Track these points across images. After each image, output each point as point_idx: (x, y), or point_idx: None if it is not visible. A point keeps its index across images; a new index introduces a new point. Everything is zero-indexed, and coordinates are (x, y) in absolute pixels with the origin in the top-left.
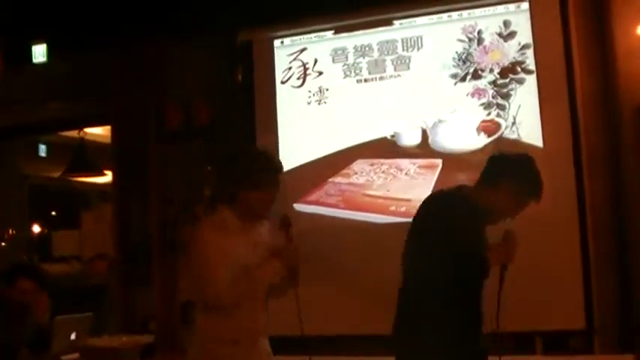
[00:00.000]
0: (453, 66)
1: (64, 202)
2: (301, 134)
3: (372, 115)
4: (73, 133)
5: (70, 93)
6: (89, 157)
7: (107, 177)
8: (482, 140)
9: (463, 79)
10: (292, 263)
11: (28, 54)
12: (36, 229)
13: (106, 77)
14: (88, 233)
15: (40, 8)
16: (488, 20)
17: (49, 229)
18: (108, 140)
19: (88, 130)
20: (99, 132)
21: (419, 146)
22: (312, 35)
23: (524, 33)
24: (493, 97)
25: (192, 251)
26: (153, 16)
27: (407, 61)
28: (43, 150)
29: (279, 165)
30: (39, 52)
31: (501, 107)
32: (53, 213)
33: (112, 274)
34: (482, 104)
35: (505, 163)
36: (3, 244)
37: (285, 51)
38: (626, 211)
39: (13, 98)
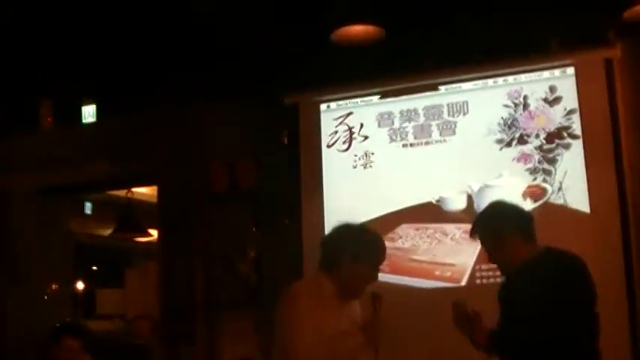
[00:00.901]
0: (499, 131)
1: (108, 259)
2: (346, 198)
3: (418, 180)
4: (119, 191)
5: (118, 152)
6: (136, 216)
7: (152, 236)
8: (528, 205)
9: (509, 144)
10: (377, 338)
11: (78, 114)
12: (80, 285)
13: (152, 137)
14: (133, 292)
15: (90, 70)
16: (533, 85)
17: (92, 286)
18: (154, 199)
19: (136, 189)
20: (145, 190)
21: (464, 211)
22: (359, 100)
23: (570, 98)
24: (539, 163)
25: (282, 314)
26: (199, 75)
27: (453, 126)
28: (88, 207)
29: (384, 248)
30: (88, 113)
31: (547, 172)
32: (94, 268)
33: (155, 335)
34: (528, 169)
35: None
36: (45, 297)
37: (332, 115)
38: None
39: (62, 157)
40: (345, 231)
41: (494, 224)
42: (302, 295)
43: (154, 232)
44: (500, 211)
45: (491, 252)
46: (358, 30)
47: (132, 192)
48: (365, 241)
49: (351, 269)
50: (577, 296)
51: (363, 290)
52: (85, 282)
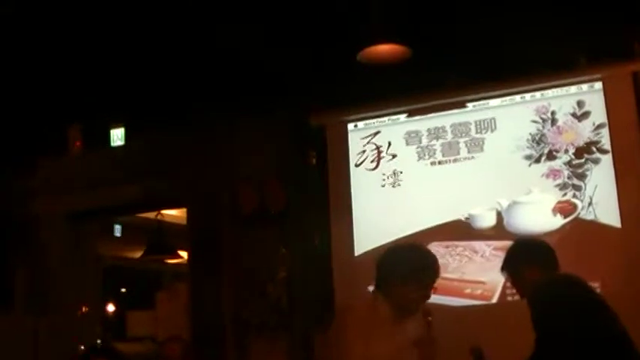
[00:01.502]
0: (527, 147)
1: (138, 281)
2: (376, 217)
3: (446, 197)
4: (149, 214)
5: (146, 175)
6: (166, 238)
7: (182, 258)
8: (558, 221)
9: (537, 160)
10: (433, 355)
11: (107, 137)
12: (110, 308)
13: (180, 159)
14: (163, 314)
15: (118, 93)
16: (561, 101)
17: (122, 308)
18: (183, 221)
19: (165, 211)
20: (174, 212)
21: (494, 228)
22: (386, 118)
23: (599, 112)
24: (568, 178)
25: (334, 333)
26: (226, 97)
27: (480, 143)
28: (118, 230)
29: (438, 267)
30: (117, 136)
31: (577, 188)
32: (123, 290)
33: (187, 357)
34: (557, 185)
35: None
36: (75, 320)
37: (359, 134)
38: None
39: (91, 180)
40: (396, 251)
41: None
42: (354, 314)
43: (184, 254)
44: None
45: (518, 289)
46: (384, 49)
47: (162, 214)
48: (414, 260)
49: (402, 288)
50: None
51: (417, 308)
52: (115, 304)
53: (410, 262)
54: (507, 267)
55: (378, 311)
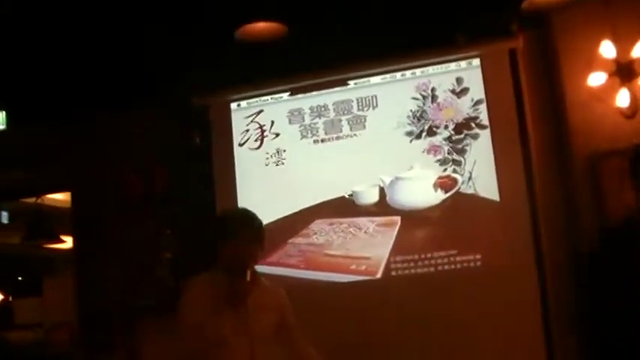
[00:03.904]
0: (408, 124)
1: (28, 269)
2: (260, 196)
3: (330, 175)
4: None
5: (30, 160)
6: (48, 223)
7: (67, 243)
8: (439, 196)
9: (418, 137)
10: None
11: None
12: None
13: (64, 145)
14: (50, 300)
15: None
16: (441, 78)
17: (12, 296)
18: (68, 205)
19: (50, 195)
20: (60, 197)
21: (377, 204)
22: (269, 97)
23: (477, 89)
24: (449, 153)
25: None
26: (108, 81)
27: (362, 120)
28: (4, 217)
29: (254, 219)
30: None
31: (457, 163)
32: (19, 279)
33: (74, 342)
34: (438, 160)
35: None
36: None
37: (242, 113)
38: (585, 261)
39: None
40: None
41: None
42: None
43: (68, 239)
44: None
45: None
46: (262, 27)
47: (42, 198)
48: (226, 219)
49: (226, 248)
50: None
51: (244, 267)
52: (3, 292)
53: (233, 220)
54: None
55: (215, 278)
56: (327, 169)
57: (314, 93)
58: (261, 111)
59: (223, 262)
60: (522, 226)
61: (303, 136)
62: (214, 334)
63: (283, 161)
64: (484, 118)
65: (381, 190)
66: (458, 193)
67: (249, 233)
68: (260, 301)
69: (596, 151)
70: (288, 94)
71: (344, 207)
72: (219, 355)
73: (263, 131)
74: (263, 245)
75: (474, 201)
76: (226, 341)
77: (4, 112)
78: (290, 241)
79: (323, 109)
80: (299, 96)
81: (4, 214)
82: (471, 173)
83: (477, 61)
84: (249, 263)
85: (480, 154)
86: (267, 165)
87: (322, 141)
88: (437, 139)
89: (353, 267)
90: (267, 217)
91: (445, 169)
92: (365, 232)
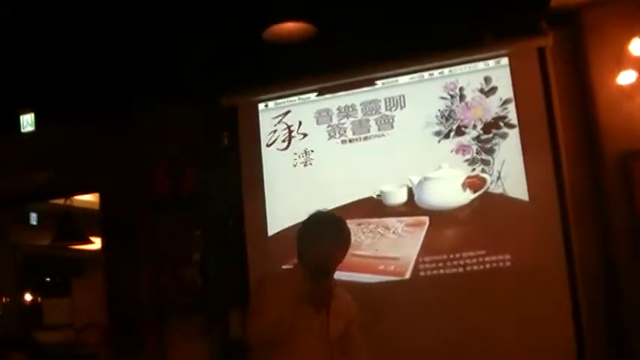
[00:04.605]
0: (437, 123)
1: (57, 270)
2: (288, 196)
3: (358, 175)
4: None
5: (59, 161)
6: (77, 224)
7: (96, 244)
8: (468, 196)
9: (447, 136)
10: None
11: (16, 123)
12: (28, 297)
13: (93, 146)
14: (80, 301)
15: (28, 78)
16: (469, 77)
17: (41, 297)
18: (96, 206)
19: (78, 197)
20: (88, 198)
21: (405, 204)
22: (296, 98)
23: (505, 88)
24: (477, 153)
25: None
26: (137, 82)
27: (390, 120)
28: (34, 218)
29: (345, 226)
30: (27, 122)
31: (486, 162)
32: (48, 280)
33: (105, 343)
34: (466, 160)
35: None
36: None
37: (270, 114)
38: (615, 259)
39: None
40: (315, 218)
41: None
42: (274, 279)
43: (97, 240)
44: None
45: None
46: (290, 27)
47: (71, 200)
48: (329, 223)
49: (320, 251)
50: None
51: (330, 270)
52: (33, 293)
53: (326, 224)
54: None
55: (296, 276)
56: (355, 170)
57: (342, 93)
58: (288, 111)
59: (310, 262)
60: (552, 226)
61: (330, 137)
62: (293, 331)
63: (311, 162)
64: (513, 117)
65: (410, 190)
66: (486, 193)
67: (341, 239)
68: (336, 308)
69: (627, 151)
70: (315, 94)
71: (372, 207)
72: (292, 353)
73: (291, 132)
74: (346, 254)
75: (503, 201)
76: (304, 340)
77: (32, 114)
78: None
79: (351, 109)
80: (327, 96)
81: (33, 215)
82: (499, 173)
83: (505, 60)
84: (335, 268)
85: (509, 153)
86: (295, 165)
87: (350, 141)
88: (465, 139)
89: (381, 267)
90: (295, 217)
91: (474, 169)
92: (393, 232)
